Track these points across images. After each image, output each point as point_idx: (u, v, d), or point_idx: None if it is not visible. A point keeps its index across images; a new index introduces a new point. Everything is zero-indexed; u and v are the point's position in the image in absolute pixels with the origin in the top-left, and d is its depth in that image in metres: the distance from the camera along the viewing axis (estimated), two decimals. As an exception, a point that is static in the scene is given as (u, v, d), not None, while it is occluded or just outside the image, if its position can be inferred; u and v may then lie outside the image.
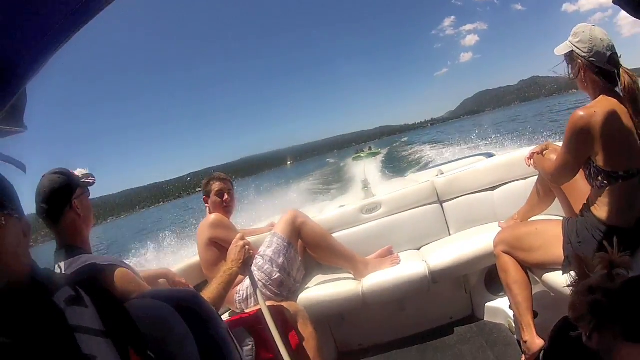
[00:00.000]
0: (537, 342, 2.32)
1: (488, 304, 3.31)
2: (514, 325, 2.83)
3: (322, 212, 4.09)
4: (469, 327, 3.30)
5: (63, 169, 2.11)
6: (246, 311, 2.87)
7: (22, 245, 0.86)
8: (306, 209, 4.70)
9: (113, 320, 0.86)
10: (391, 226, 3.70)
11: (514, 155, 3.70)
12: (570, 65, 2.34)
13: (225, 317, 3.10)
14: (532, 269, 2.54)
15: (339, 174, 36.20)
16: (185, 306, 0.95)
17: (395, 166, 30.24)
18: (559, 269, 2.31)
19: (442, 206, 3.75)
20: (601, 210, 2.22)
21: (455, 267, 3.10)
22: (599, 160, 2.15)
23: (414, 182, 4.07)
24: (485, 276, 3.34)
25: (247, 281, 2.93)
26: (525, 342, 2.39)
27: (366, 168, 28.23)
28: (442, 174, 3.99)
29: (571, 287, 1.31)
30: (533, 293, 2.50)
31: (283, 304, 2.81)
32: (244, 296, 3.05)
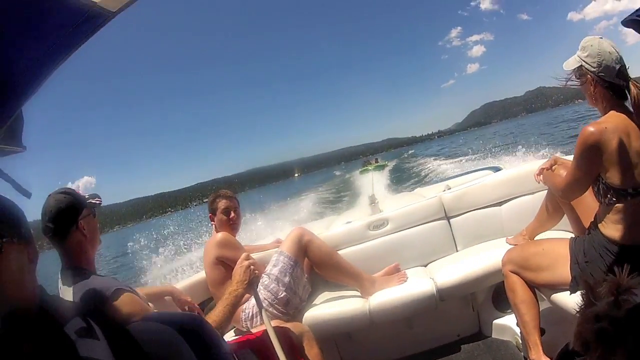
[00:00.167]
0: None
1: (495, 321, 3.28)
2: (521, 343, 2.81)
3: (329, 229, 4.07)
4: (477, 345, 3.27)
5: (69, 188, 2.10)
6: (252, 331, 2.86)
7: (26, 272, 0.85)
8: (313, 224, 4.69)
9: (121, 350, 0.85)
10: (398, 243, 3.67)
11: (521, 170, 3.69)
12: (579, 80, 2.32)
13: (230, 334, 3.10)
14: (540, 288, 2.52)
15: (346, 186, 36.19)
16: (189, 330, 0.94)
17: (402, 179, 30.18)
18: (567, 289, 2.29)
19: (449, 222, 3.72)
20: (609, 227, 2.19)
21: (463, 285, 3.08)
22: (609, 177, 2.12)
23: (421, 197, 4.07)
24: (492, 293, 3.31)
25: (253, 300, 2.91)
26: None
27: (374, 182, 28.24)
28: (449, 188, 3.97)
29: (578, 313, 1.29)
30: (541, 309, 2.48)
31: (288, 324, 2.79)
32: (250, 315, 3.04)
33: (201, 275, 3.42)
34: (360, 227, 3.77)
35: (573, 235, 2.59)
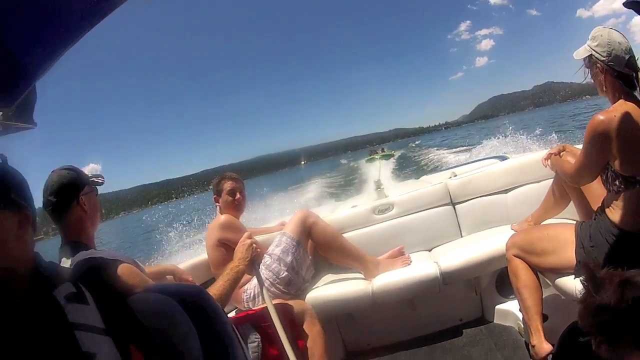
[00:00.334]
0: (545, 347, 2.30)
1: (498, 307, 3.28)
2: (523, 328, 2.81)
3: (334, 212, 4.08)
4: (479, 329, 3.27)
5: (72, 165, 2.12)
6: (253, 308, 2.87)
7: (15, 237, 0.85)
8: (318, 209, 4.69)
9: (114, 317, 0.85)
10: (403, 227, 3.68)
11: (527, 158, 3.69)
12: (589, 70, 2.32)
13: (232, 315, 3.09)
14: (545, 272, 2.52)
15: (352, 174, 36.14)
16: (190, 301, 0.94)
17: (409, 168, 30.13)
18: (572, 273, 2.29)
19: (454, 208, 3.73)
20: (616, 214, 2.19)
21: (467, 269, 3.08)
22: (617, 165, 2.12)
23: (427, 184, 4.07)
24: (496, 278, 3.31)
25: (255, 280, 2.92)
26: (534, 346, 2.37)
27: (380, 169, 28.19)
28: (456, 176, 3.95)
29: (579, 301, 1.28)
30: (543, 296, 2.49)
31: (290, 301, 2.81)
32: (252, 295, 3.06)
33: (203, 256, 3.42)
34: (365, 211, 3.77)
35: (578, 221, 2.58)
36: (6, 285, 0.80)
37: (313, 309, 2.85)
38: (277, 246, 3.21)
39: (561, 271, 2.38)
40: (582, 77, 2.38)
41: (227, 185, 3.34)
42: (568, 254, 2.31)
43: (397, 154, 55.87)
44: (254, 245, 2.34)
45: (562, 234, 2.41)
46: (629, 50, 2.16)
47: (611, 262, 1.68)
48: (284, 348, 2.04)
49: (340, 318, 3.39)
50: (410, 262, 3.31)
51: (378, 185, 4.38)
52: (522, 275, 2.49)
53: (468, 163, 5.57)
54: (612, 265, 1.27)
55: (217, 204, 3.37)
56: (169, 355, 0.87)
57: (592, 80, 2.33)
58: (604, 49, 2.17)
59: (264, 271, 3.06)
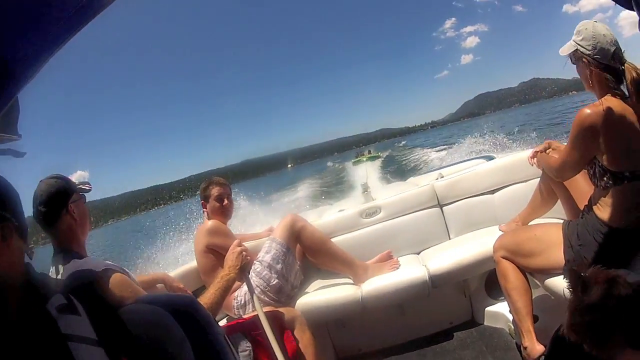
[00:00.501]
0: (537, 348, 2.30)
1: (488, 309, 3.28)
2: (514, 330, 2.80)
3: (322, 217, 4.07)
4: (469, 332, 3.27)
5: (60, 174, 2.14)
6: (244, 317, 2.86)
7: (11, 248, 0.85)
8: (306, 213, 4.68)
9: (106, 328, 0.85)
10: (391, 230, 3.68)
11: (514, 158, 3.70)
12: (575, 65, 2.32)
13: (222, 322, 3.09)
14: (533, 273, 2.53)
15: (339, 177, 36.09)
16: (182, 311, 0.94)
17: (396, 169, 30.13)
18: (561, 274, 2.26)
19: (442, 210, 3.73)
20: (604, 210, 2.19)
21: (456, 272, 3.08)
22: (605, 160, 2.12)
23: (414, 186, 4.07)
24: (485, 280, 3.31)
25: (245, 287, 2.91)
26: (526, 348, 2.36)
27: (367, 172, 28.19)
28: (442, 177, 3.96)
29: (568, 300, 1.29)
30: (533, 297, 2.49)
31: (280, 309, 2.80)
32: (242, 302, 3.04)
33: (192, 264, 3.40)
34: (352, 214, 3.77)
35: (565, 220, 2.58)
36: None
37: (303, 315, 2.85)
38: (267, 253, 3.19)
39: (550, 272, 2.38)
40: (569, 72, 2.38)
41: (215, 191, 3.32)
42: (556, 254, 2.31)
43: (384, 155, 55.87)
44: (244, 253, 2.34)
45: (549, 234, 2.41)
46: (615, 43, 2.15)
47: (600, 260, 1.68)
48: (275, 356, 2.04)
49: (330, 324, 3.38)
50: (399, 266, 3.31)
51: (365, 189, 4.38)
52: (511, 277, 2.49)
53: (455, 164, 5.59)
54: (601, 263, 1.28)
55: (205, 209, 3.35)
56: None
57: (579, 76, 2.32)
58: (589, 42, 2.16)
59: (254, 278, 3.05)
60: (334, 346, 3.46)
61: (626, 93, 2.14)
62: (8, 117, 1.25)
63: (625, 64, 2.14)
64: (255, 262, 3.14)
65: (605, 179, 2.16)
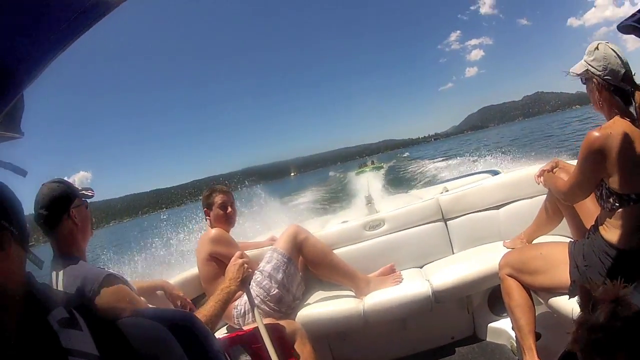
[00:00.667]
0: None
1: (491, 325, 3.25)
2: (516, 347, 2.79)
3: (325, 228, 4.04)
4: (471, 348, 3.24)
5: (62, 179, 2.15)
6: (244, 328, 2.84)
7: (15, 258, 0.83)
8: (308, 222, 4.66)
9: (107, 344, 0.83)
10: (394, 243, 3.65)
11: (520, 174, 3.67)
12: (585, 85, 2.31)
13: (222, 331, 3.09)
14: (538, 292, 2.50)
15: (342, 187, 36.05)
16: (180, 327, 0.92)
17: (399, 181, 30.14)
18: (565, 293, 2.27)
19: (446, 224, 3.71)
20: (610, 232, 2.17)
21: (459, 288, 3.05)
22: (612, 182, 2.11)
23: (418, 199, 4.05)
24: (488, 296, 3.28)
25: (246, 296, 2.90)
26: None
27: (370, 182, 28.20)
28: (447, 191, 3.94)
29: (577, 321, 1.27)
30: (536, 314, 2.47)
31: (281, 322, 2.76)
32: (242, 312, 3.01)
33: (194, 271, 3.38)
34: (356, 226, 3.75)
35: (571, 240, 2.57)
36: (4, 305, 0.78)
37: (304, 327, 2.82)
38: (268, 262, 3.17)
39: (555, 291, 2.36)
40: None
41: (218, 198, 3.31)
42: (561, 273, 2.29)
43: (387, 166, 55.84)
44: (246, 265, 2.31)
45: (555, 254, 2.39)
46: (626, 65, 2.15)
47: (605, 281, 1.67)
48: (275, 369, 2.00)
49: (331, 337, 3.35)
50: (402, 279, 3.29)
51: (369, 200, 4.36)
52: (515, 294, 2.47)
53: (460, 177, 5.57)
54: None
55: (208, 217, 3.33)
56: None
57: (589, 96, 2.32)
58: (600, 63, 2.16)
59: (254, 288, 3.03)
60: (334, 359, 3.42)
61: (635, 115, 2.13)
62: (12, 115, 1.24)
63: (636, 87, 2.13)
64: (256, 272, 3.12)
65: (611, 200, 2.15)
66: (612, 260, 2.14)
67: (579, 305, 1.26)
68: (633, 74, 2.17)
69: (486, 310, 3.30)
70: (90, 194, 2.18)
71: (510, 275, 2.52)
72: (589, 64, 2.21)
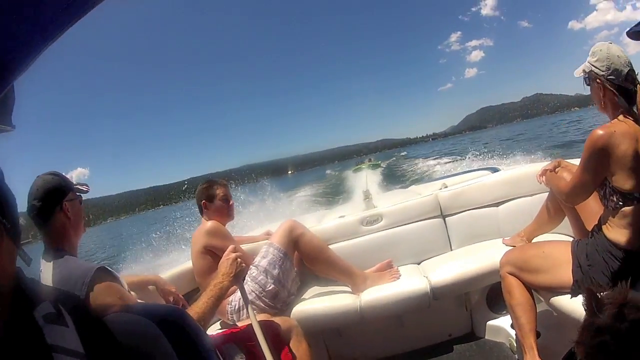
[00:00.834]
0: None
1: (489, 323, 3.22)
2: (515, 345, 2.79)
3: (321, 222, 4.00)
4: (469, 345, 3.21)
5: (57, 172, 2.13)
6: (238, 324, 2.79)
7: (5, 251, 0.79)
8: (305, 217, 4.63)
9: (93, 340, 0.78)
10: (392, 239, 3.62)
11: (520, 171, 3.66)
12: (589, 87, 2.32)
13: (216, 326, 3.05)
14: (539, 291, 2.48)
15: (339, 184, 36.15)
16: (169, 323, 0.87)
17: (396, 178, 30.21)
18: (567, 292, 2.25)
19: (444, 220, 3.68)
20: (614, 231, 2.15)
21: (458, 285, 3.02)
22: (616, 181, 2.10)
23: (417, 194, 4.01)
24: (487, 294, 3.25)
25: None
26: None
27: (368, 178, 28.27)
28: (446, 187, 3.91)
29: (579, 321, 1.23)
30: (537, 312, 2.45)
31: (276, 319, 2.71)
32: (236, 307, 2.97)
33: (187, 265, 3.34)
34: (353, 221, 3.71)
35: (572, 239, 2.56)
36: None
37: (299, 323, 2.77)
38: (264, 257, 3.12)
39: (556, 290, 2.34)
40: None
41: (220, 191, 3.28)
42: (564, 273, 2.27)
43: (384, 164, 55.91)
44: (239, 259, 2.26)
45: (558, 252, 2.37)
46: (629, 64, 2.15)
47: (609, 281, 1.62)
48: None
49: (326, 333, 3.31)
50: (399, 276, 3.25)
51: (366, 196, 4.32)
52: (516, 293, 2.44)
53: (459, 174, 5.55)
54: (612, 284, 1.23)
55: (206, 209, 3.27)
56: None
57: (592, 97, 2.32)
58: (603, 63, 2.17)
59: (249, 283, 2.99)
60: (330, 355, 3.38)
61: (638, 114, 2.14)
62: (1, 106, 1.19)
63: (639, 86, 2.14)
64: (251, 267, 3.08)
65: (615, 199, 2.13)
66: (615, 260, 2.12)
67: (584, 307, 1.22)
68: (636, 73, 2.17)
69: (484, 307, 3.27)
70: (84, 189, 2.16)
71: (511, 274, 2.49)
72: (593, 65, 2.22)
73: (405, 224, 3.65)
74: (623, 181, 2.08)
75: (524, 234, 3.06)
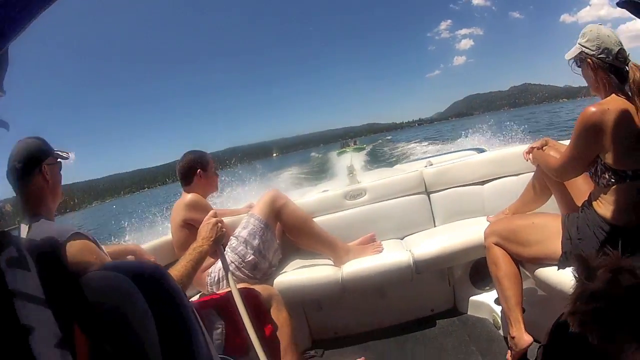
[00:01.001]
0: (525, 338, 2.27)
1: (472, 298, 3.22)
2: (499, 321, 2.81)
3: (304, 197, 3.97)
4: (452, 320, 3.21)
5: (39, 136, 2.12)
6: (218, 292, 2.74)
7: None
8: (288, 193, 4.62)
9: (58, 289, 0.74)
10: (375, 214, 3.61)
11: (506, 151, 3.69)
12: (580, 68, 2.31)
13: (195, 299, 2.99)
14: (524, 263, 2.47)
15: (323, 166, 36.20)
16: (147, 280, 0.83)
17: (380, 161, 30.31)
18: (554, 264, 2.25)
19: (429, 197, 3.68)
20: (604, 208, 2.15)
21: (441, 259, 3.01)
22: (608, 158, 2.09)
23: (402, 172, 3.99)
24: (470, 269, 3.24)
25: (220, 263, 2.81)
26: (513, 337, 2.33)
27: (352, 158, 28.38)
28: (432, 165, 3.90)
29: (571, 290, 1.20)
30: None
31: (257, 286, 2.67)
32: (216, 279, 2.93)
33: (167, 237, 3.31)
34: (336, 195, 3.69)
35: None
36: None
37: (280, 294, 2.74)
38: (244, 228, 3.07)
39: (543, 262, 2.34)
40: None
41: (212, 163, 3.27)
42: (553, 244, 2.27)
43: (369, 147, 56.00)
44: (219, 224, 2.23)
45: (548, 224, 2.36)
46: (619, 43, 2.15)
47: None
48: (249, 336, 1.94)
49: (307, 304, 3.29)
50: (382, 249, 3.23)
51: (350, 171, 4.32)
52: (503, 264, 2.44)
53: (445, 153, 5.57)
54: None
55: (199, 177, 3.18)
56: (122, 339, 0.80)
57: (585, 79, 2.32)
58: (593, 43, 2.16)
59: (229, 254, 2.94)
60: (310, 327, 3.36)
61: (630, 93, 2.13)
62: None
63: (630, 64, 2.14)
64: (231, 237, 3.04)
65: (607, 176, 2.13)
66: (606, 235, 2.12)
67: (575, 275, 1.19)
68: (628, 54, 2.16)
69: (468, 283, 3.26)
70: (65, 155, 2.14)
71: (497, 244, 2.48)
72: (583, 45, 2.21)
73: (389, 199, 3.65)
74: (616, 159, 2.08)
75: (508, 212, 3.04)
